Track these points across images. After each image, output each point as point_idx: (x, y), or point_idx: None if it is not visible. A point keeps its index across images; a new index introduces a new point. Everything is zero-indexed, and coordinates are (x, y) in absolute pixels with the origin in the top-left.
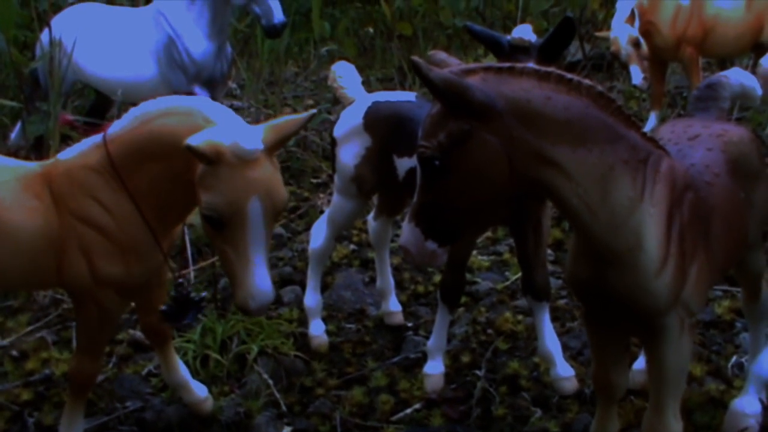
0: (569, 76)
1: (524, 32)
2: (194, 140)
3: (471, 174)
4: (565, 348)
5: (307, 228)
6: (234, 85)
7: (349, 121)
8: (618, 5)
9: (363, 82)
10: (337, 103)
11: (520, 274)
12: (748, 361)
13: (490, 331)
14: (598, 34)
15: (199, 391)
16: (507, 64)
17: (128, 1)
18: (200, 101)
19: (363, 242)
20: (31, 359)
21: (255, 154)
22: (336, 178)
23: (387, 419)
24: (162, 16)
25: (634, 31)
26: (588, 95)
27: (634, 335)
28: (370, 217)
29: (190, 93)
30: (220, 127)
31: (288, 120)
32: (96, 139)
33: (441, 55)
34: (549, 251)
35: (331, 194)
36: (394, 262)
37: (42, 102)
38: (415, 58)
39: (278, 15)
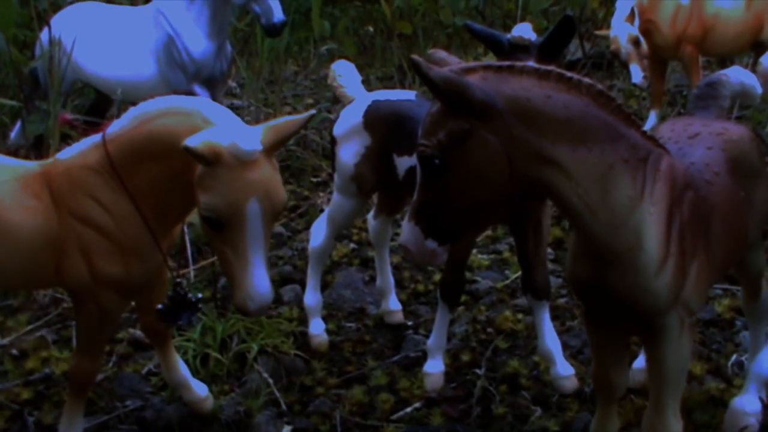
0: (569, 74)
1: (524, 31)
2: (192, 141)
3: (471, 173)
4: (565, 347)
5: (307, 227)
6: (234, 84)
7: (349, 120)
8: (618, 4)
9: (363, 81)
10: (337, 101)
11: (520, 273)
12: (748, 360)
13: (490, 329)
14: (598, 32)
15: (199, 390)
16: (507, 63)
17: (128, 0)
18: (200, 101)
19: (363, 241)
20: (31, 358)
21: (254, 155)
22: (336, 176)
23: (387, 418)
24: (162, 15)
25: (634, 30)
26: (588, 94)
27: (634, 334)
28: (370, 215)
29: (190, 92)
30: (219, 127)
31: (287, 120)
32: (95, 138)
33: (441, 53)
34: (549, 250)
35: (330, 193)
36: (394, 260)
37: (42, 101)
38: (415, 56)
39: (278, 14)
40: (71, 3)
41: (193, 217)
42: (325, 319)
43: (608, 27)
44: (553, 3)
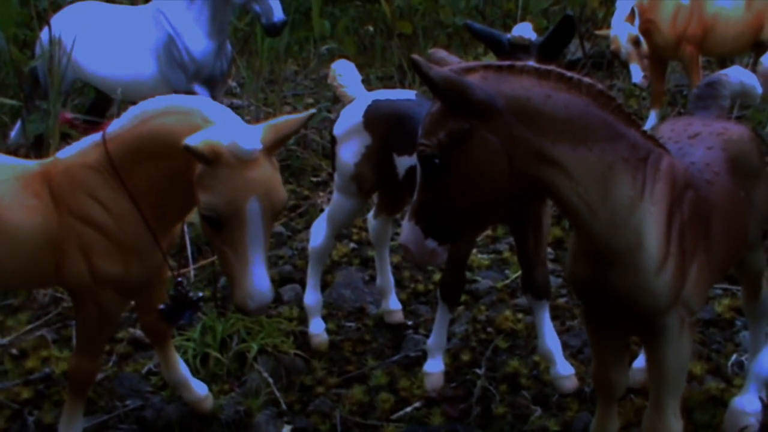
0: (569, 74)
1: (524, 30)
2: (192, 140)
3: (471, 173)
4: (565, 346)
5: (307, 226)
6: (234, 84)
7: (349, 120)
8: (618, 4)
9: (363, 81)
10: (337, 101)
11: (520, 273)
12: (748, 360)
13: (490, 329)
14: (598, 32)
15: (199, 389)
16: (507, 63)
17: (128, 0)
18: (199, 100)
19: (363, 241)
20: (30, 358)
21: (254, 154)
22: (336, 176)
23: (387, 418)
24: (162, 15)
25: (634, 30)
26: (588, 93)
27: (634, 334)
28: (370, 215)
29: (190, 91)
30: (219, 126)
31: (287, 120)
32: (95, 137)
33: (441, 53)
34: (549, 250)
35: (331, 193)
36: (394, 260)
37: (42, 100)
38: (415, 56)
39: (278, 13)
40: (71, 2)
41: (193, 216)
42: (325, 318)
43: (608, 27)
44: (553, 3)
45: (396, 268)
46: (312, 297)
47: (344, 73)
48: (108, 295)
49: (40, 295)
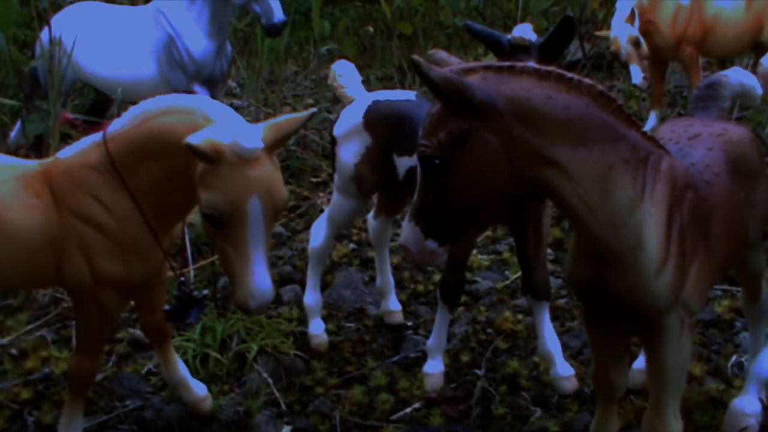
0: (569, 75)
1: (524, 31)
2: (194, 139)
3: (471, 173)
4: (565, 347)
5: (307, 227)
6: (234, 84)
7: (349, 120)
8: (618, 5)
9: (363, 81)
10: (337, 102)
11: (519, 274)
12: (748, 361)
13: (489, 330)
14: (598, 33)
15: (198, 390)
16: (507, 63)
17: (128, 0)
18: (200, 100)
19: (363, 241)
20: (30, 358)
21: (255, 152)
22: (336, 177)
23: (387, 418)
24: (162, 15)
25: (634, 31)
26: (588, 94)
27: (634, 335)
28: (370, 216)
29: (190, 92)
30: (220, 125)
31: (288, 119)
32: (96, 137)
33: (441, 54)
34: (549, 250)
35: (330, 193)
36: (394, 261)
37: (42, 101)
38: (416, 57)
39: (278, 14)
40: (71, 2)
41: (193, 216)
42: (324, 319)
43: (608, 28)
44: (553, 3)
45: (396, 269)
46: (312, 297)
47: (344, 74)
48: (108, 295)
49: (39, 296)
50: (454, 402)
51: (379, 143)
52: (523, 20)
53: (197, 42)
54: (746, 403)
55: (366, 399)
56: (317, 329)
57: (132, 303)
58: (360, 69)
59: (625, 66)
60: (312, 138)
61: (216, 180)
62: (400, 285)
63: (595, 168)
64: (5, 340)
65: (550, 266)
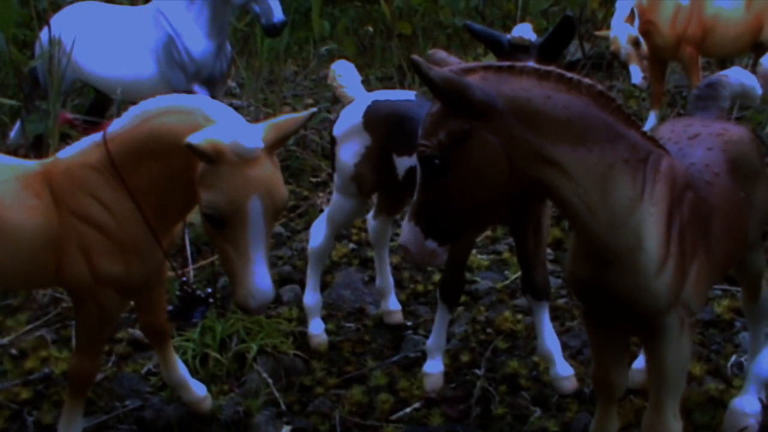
0: (569, 75)
1: (524, 31)
2: (195, 139)
3: (471, 173)
4: (565, 347)
5: (307, 227)
6: (233, 84)
7: (348, 120)
8: (617, 4)
9: (362, 81)
10: (337, 102)
11: (519, 273)
12: (748, 361)
13: (489, 330)
14: (597, 33)
15: (198, 390)
16: (507, 63)
17: (128, 0)
18: (200, 100)
19: (362, 241)
20: (30, 358)
21: (255, 152)
22: (335, 176)
23: (386, 418)
24: (161, 15)
25: (634, 31)
26: (588, 94)
27: (634, 335)
28: (370, 216)
29: (190, 92)
30: (221, 125)
31: (288, 119)
32: (96, 137)
33: (441, 54)
34: (548, 250)
35: (330, 193)
36: (393, 261)
37: (41, 101)
38: (415, 57)
39: (278, 14)
40: (71, 2)
41: (193, 216)
42: (324, 319)
43: (608, 28)
44: (552, 3)
45: (395, 269)
46: (311, 297)
47: (344, 74)
48: (108, 295)
49: (39, 296)
50: (453, 402)
51: (378, 143)
52: (522, 20)
53: (197, 42)
54: (746, 403)
55: (366, 399)
56: (317, 329)
57: (132, 303)
58: (360, 69)
59: (624, 66)
60: (312, 138)
61: (216, 180)
62: (399, 285)
63: (595, 168)
64: (5, 340)
65: (549, 266)
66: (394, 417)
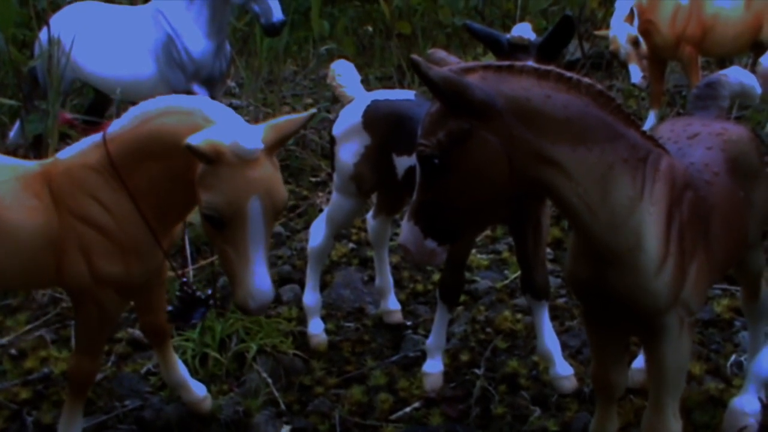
0: (569, 74)
1: (523, 31)
2: (194, 139)
3: (470, 173)
4: (565, 347)
5: (306, 226)
6: (233, 84)
7: (348, 120)
8: (617, 4)
9: (362, 81)
10: (336, 101)
11: (519, 273)
12: (748, 360)
13: (489, 329)
14: (597, 32)
15: (198, 390)
16: (506, 63)
17: (127, 0)
18: (200, 100)
19: (362, 241)
20: (29, 358)
21: (255, 153)
22: (335, 176)
23: (386, 418)
24: (161, 15)
25: (633, 30)
26: (587, 94)
27: (634, 334)
28: (369, 215)
29: (189, 91)
30: (220, 126)
31: (288, 119)
32: (96, 138)
33: (440, 53)
34: (548, 250)
35: (330, 193)
36: (393, 260)
37: (41, 100)
38: (415, 56)
39: (277, 14)
40: (70, 2)
41: (192, 216)
42: (324, 318)
43: (607, 27)
44: (552, 3)
45: (395, 269)
46: (311, 297)
47: (343, 74)
48: (108, 296)
49: (38, 296)
50: (453, 401)
51: (378, 143)
52: (522, 19)
53: (196, 42)
54: (745, 403)
55: (365, 398)
56: (316, 329)
57: (132, 303)
58: (359, 68)
59: (624, 65)
60: (311, 137)
61: (216, 181)
62: (399, 284)
63: (595, 167)
64: (4, 340)
65: (549, 266)
66: (393, 417)
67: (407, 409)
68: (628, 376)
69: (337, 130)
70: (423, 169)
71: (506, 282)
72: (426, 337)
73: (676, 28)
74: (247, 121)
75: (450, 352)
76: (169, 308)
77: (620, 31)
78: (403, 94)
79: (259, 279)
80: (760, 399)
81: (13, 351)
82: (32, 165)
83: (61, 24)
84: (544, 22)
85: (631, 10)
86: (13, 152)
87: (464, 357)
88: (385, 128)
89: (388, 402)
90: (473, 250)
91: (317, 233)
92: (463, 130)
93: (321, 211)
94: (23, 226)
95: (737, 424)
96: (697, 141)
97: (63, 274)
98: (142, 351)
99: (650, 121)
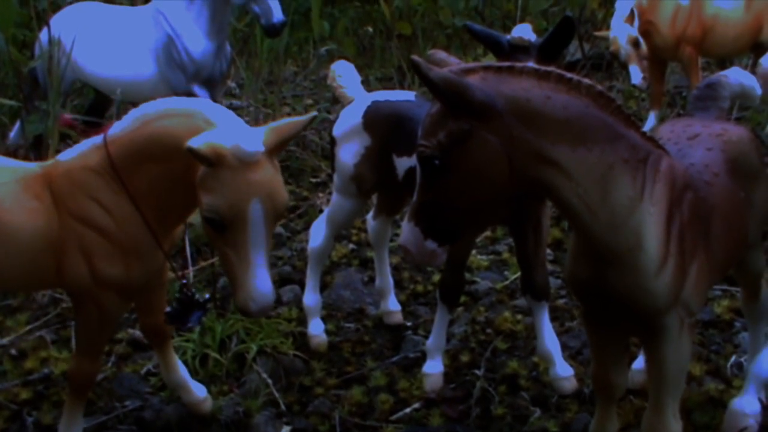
0: (569, 75)
1: (524, 32)
2: (195, 142)
3: (471, 173)
4: (565, 347)
5: (307, 227)
6: (233, 84)
7: (348, 121)
8: (617, 5)
9: (362, 82)
10: (337, 102)
11: (519, 274)
12: (748, 361)
13: (489, 330)
14: (597, 33)
15: (198, 391)
16: (507, 64)
17: (128, 1)
18: (201, 103)
19: (362, 241)
20: (30, 358)
21: (256, 156)
22: (335, 177)
23: (386, 419)
24: (161, 15)
25: (634, 31)
26: (588, 94)
27: (634, 335)
28: (370, 216)
29: (189, 92)
30: (221, 129)
31: (289, 122)
32: (96, 140)
33: (440, 54)
34: (548, 251)
35: (330, 193)
36: (393, 261)
37: (41, 101)
38: (415, 57)
39: (277, 14)
40: (71, 3)
41: (193, 217)
42: (324, 319)
43: (608, 28)
44: (552, 4)
45: (395, 269)
46: (311, 298)
47: (344, 74)
48: (109, 297)
49: (39, 296)
50: (453, 402)
51: (378, 143)
52: (522, 20)
53: (196, 42)
54: (745, 403)
55: (365, 399)
56: (317, 329)
57: (132, 304)
58: (359, 69)
59: (624, 66)
60: (311, 138)
61: (217, 183)
62: (399, 285)
63: (595, 168)
64: (5, 341)
65: (549, 266)
66: (393, 417)
67: (407, 410)
68: (628, 376)
69: (337, 130)
70: (423, 170)
71: (506, 283)
72: (426, 337)
73: (676, 28)
74: (248, 121)
75: (450, 353)
76: (167, 310)
77: (620, 32)
78: (404, 95)
79: (260, 282)
80: (760, 400)
81: (13, 351)
82: (33, 167)
83: (61, 24)
84: (545, 23)
85: (632, 11)
86: (13, 153)
87: (464, 358)
88: (386, 129)
89: (389, 403)
90: (473, 251)
91: (317, 234)
92: (463, 130)
93: (321, 211)
94: (24, 228)
95: (737, 425)
96: (697, 142)
97: (63, 276)
98: (142, 351)
99: (650, 122)
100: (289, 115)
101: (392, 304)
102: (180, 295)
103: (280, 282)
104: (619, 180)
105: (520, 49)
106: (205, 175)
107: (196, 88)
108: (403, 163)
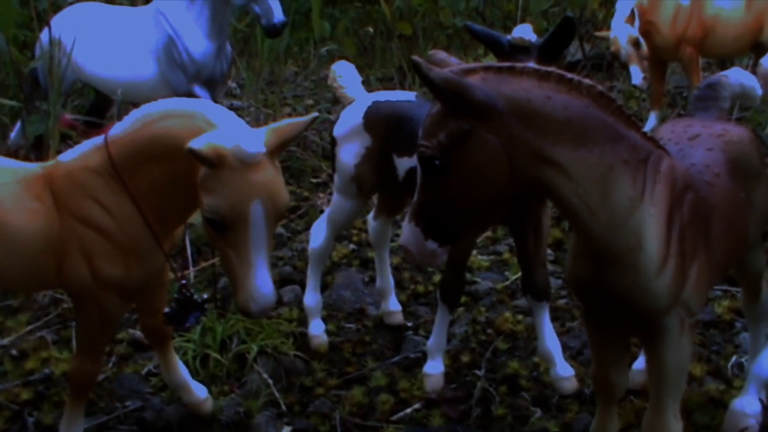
0: (569, 75)
1: (524, 32)
2: (197, 143)
3: (471, 173)
4: (565, 348)
5: (307, 227)
6: (234, 85)
7: (349, 121)
8: (618, 5)
9: (363, 82)
10: (337, 102)
11: (519, 274)
12: (748, 361)
13: (489, 330)
14: (598, 33)
15: (198, 391)
16: (507, 64)
17: (128, 1)
18: (202, 104)
19: (363, 242)
20: (30, 358)
21: (257, 157)
22: (336, 177)
23: (387, 419)
24: (162, 16)
25: (634, 31)
26: (588, 95)
27: (634, 335)
28: (370, 216)
29: (190, 92)
30: (222, 129)
31: (290, 123)
32: (97, 140)
33: (441, 54)
34: (549, 251)
35: (330, 194)
36: (393, 261)
37: (42, 101)
38: (416, 57)
39: (278, 14)
40: (71, 3)
41: (194, 218)
42: (324, 319)
43: (608, 28)
44: (553, 4)
45: (396, 270)
46: (312, 298)
47: (344, 75)
48: (109, 298)
49: (39, 297)
50: (454, 402)
51: (379, 144)
52: (522, 21)
53: (197, 42)
54: (746, 404)
55: (366, 400)
56: (317, 330)
57: (133, 304)
58: (360, 69)
59: (625, 66)
60: (312, 139)
61: (218, 184)
62: (400, 285)
63: (595, 168)
64: (5, 341)
65: (550, 267)
66: (394, 417)
67: (408, 410)
68: (629, 377)
69: (338, 131)
70: (424, 170)
71: (507, 283)
72: (427, 338)
73: (676, 29)
74: (248, 122)
75: (451, 353)
76: (166, 310)
77: (621, 32)
78: (404, 96)
79: (261, 282)
80: (760, 400)
81: (14, 352)
82: (33, 167)
83: (62, 25)
84: (545, 23)
85: (632, 11)
86: (14, 153)
87: (465, 358)
88: (386, 129)
89: (389, 403)
90: (474, 251)
91: (318, 234)
92: (463, 130)
93: (322, 212)
94: (24, 229)
95: (738, 425)
96: (697, 142)
97: (64, 276)
98: (143, 352)
99: (651, 123)
100: (289, 115)
101: (393, 305)
102: (178, 295)
103: (280, 282)
104: (619, 180)
105: (520, 50)
106: (206, 175)
107: (197, 89)
108: (404, 164)
